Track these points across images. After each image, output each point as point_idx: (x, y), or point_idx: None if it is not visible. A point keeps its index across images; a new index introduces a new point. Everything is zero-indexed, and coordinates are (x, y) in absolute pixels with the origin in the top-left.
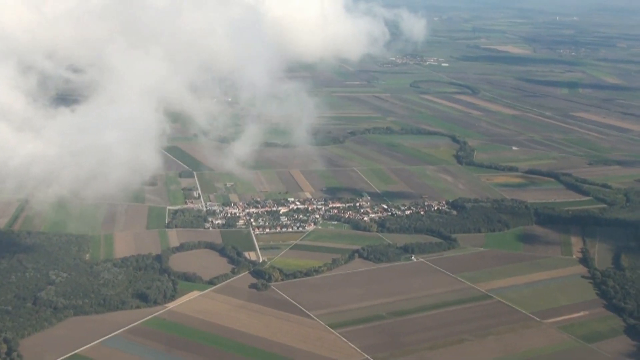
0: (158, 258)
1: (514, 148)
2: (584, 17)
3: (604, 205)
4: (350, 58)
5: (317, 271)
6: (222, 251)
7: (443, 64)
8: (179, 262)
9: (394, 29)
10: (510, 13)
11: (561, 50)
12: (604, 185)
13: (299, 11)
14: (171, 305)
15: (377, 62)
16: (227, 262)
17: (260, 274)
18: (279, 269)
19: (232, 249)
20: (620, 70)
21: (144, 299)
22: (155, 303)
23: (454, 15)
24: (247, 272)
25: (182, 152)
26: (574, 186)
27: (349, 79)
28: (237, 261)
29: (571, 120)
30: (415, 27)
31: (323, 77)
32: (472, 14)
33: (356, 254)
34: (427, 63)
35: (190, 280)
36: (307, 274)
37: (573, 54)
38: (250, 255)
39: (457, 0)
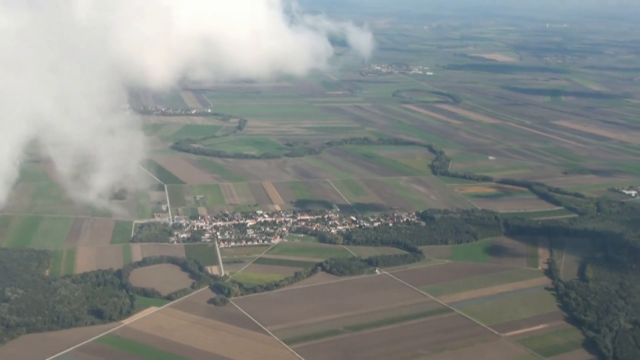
0: (119, 273)
1: (490, 158)
2: (574, 24)
3: (575, 215)
4: (295, 73)
5: (277, 285)
6: (184, 266)
7: (428, 73)
8: (139, 277)
9: (342, 43)
10: (500, 21)
11: (548, 58)
12: (577, 195)
13: (232, 29)
14: (126, 321)
15: (361, 71)
16: (188, 277)
17: (220, 288)
18: (239, 284)
19: (194, 263)
20: (605, 78)
21: (99, 315)
22: (111, 319)
23: (443, 24)
24: (207, 287)
25: (156, 166)
26: (547, 196)
27: (331, 89)
28: (198, 276)
29: (551, 129)
30: (362, 40)
31: (306, 87)
32: (462, 22)
33: (319, 268)
34: (412, 72)
35: (149, 295)
36: (267, 289)
37: (559, 61)
38: (213, 270)
39: (449, 9)
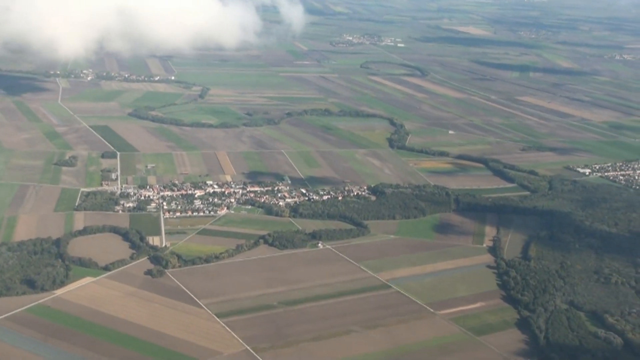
0: (57, 242)
1: (450, 132)
2: None
3: (527, 193)
4: (226, 45)
5: (217, 258)
6: (125, 236)
7: (399, 45)
8: (78, 247)
9: (274, 15)
10: None
11: (522, 33)
12: (532, 172)
13: (150, 2)
14: (59, 292)
15: (331, 41)
16: (128, 247)
17: (158, 260)
18: (178, 255)
19: (136, 233)
20: (576, 54)
21: (31, 285)
22: (43, 289)
23: None
24: (146, 258)
25: (111, 133)
26: (501, 173)
27: (300, 59)
28: (138, 246)
29: (515, 105)
30: (294, 14)
31: (274, 56)
32: None
33: (261, 240)
34: (384, 43)
35: (86, 265)
36: (207, 261)
37: (533, 36)
38: (154, 240)
39: None
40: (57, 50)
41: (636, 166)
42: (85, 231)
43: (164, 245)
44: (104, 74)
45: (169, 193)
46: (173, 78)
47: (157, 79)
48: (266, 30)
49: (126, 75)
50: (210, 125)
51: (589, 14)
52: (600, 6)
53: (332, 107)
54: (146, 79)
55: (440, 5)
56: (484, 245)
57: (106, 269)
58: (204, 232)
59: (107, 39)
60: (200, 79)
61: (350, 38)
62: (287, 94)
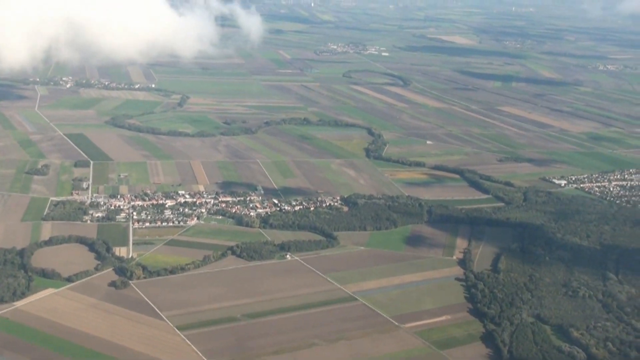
0: (22, 252)
1: (428, 142)
2: (541, 8)
3: (502, 204)
4: (182, 55)
5: (183, 269)
6: (91, 246)
7: (383, 54)
8: (43, 258)
9: (232, 24)
10: (468, 2)
11: (507, 42)
12: (507, 183)
13: (100, 12)
14: (19, 303)
15: (315, 50)
16: (94, 258)
17: (123, 271)
18: (143, 266)
19: (102, 244)
20: (560, 64)
21: None
22: (3, 301)
23: (410, 4)
24: (111, 269)
25: (87, 141)
26: (477, 184)
27: (283, 67)
28: (104, 257)
29: (495, 115)
30: (251, 23)
31: (257, 65)
32: (429, 2)
33: (229, 252)
34: (368, 52)
35: (49, 276)
36: (172, 272)
37: (518, 46)
38: (121, 251)
39: None
40: (1, 59)
41: (612, 177)
42: (50, 242)
43: (130, 256)
44: (84, 81)
45: (140, 203)
46: (153, 86)
47: (137, 86)
48: (224, 39)
49: (106, 83)
50: (187, 134)
51: (576, 24)
52: (587, 17)
53: (311, 116)
54: (126, 86)
55: (427, 14)
56: (454, 257)
57: (69, 280)
58: (172, 243)
59: (55, 48)
60: (181, 86)
61: (335, 47)
62: (267, 102)
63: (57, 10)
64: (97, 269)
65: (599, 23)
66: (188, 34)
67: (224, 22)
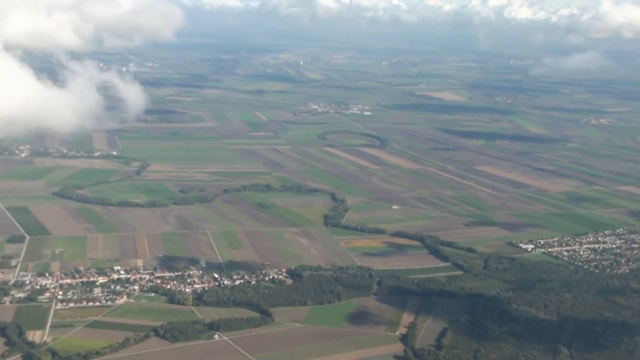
0: None
1: (394, 207)
2: (540, 60)
3: (460, 272)
4: (59, 130)
5: (98, 353)
6: (3, 331)
7: (366, 113)
8: None
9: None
10: (466, 57)
11: (498, 97)
12: (469, 250)
13: None
14: None
15: (294, 110)
16: (3, 344)
17: (31, 357)
18: (53, 352)
19: (15, 328)
20: (550, 119)
21: None
22: None
23: (405, 59)
24: (19, 356)
25: (28, 214)
26: (437, 251)
27: (257, 130)
28: (14, 343)
29: (471, 175)
30: (131, 93)
31: (230, 128)
32: (424, 58)
33: (152, 333)
34: (350, 112)
35: None
36: (85, 357)
37: (509, 101)
38: (36, 335)
39: (418, 43)
40: None
41: (584, 240)
42: None
43: (44, 340)
44: (41, 150)
45: (69, 281)
46: (115, 153)
47: (97, 154)
48: (106, 110)
49: (64, 151)
50: (138, 205)
51: (573, 76)
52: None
53: (274, 181)
54: (85, 154)
55: (421, 69)
56: (397, 333)
57: None
58: (93, 325)
59: None
60: (144, 153)
61: (316, 107)
62: (231, 168)
63: None
64: (3, 356)
65: (597, 75)
66: (64, 108)
67: (106, 91)
